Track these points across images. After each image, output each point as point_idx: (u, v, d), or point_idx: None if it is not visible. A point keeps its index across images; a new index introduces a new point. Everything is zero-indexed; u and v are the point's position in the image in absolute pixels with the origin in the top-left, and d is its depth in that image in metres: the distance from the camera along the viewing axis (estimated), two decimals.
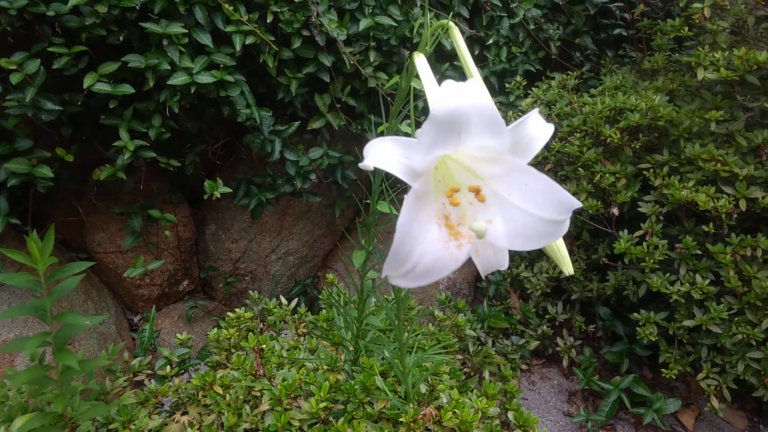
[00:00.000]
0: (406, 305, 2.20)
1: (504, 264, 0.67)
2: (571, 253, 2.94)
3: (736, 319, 2.20)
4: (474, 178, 0.64)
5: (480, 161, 0.63)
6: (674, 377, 2.36)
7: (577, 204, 0.58)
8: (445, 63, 2.86)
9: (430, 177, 0.62)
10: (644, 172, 2.45)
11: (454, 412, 1.38)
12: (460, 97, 0.55)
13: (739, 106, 2.35)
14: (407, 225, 0.58)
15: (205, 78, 2.15)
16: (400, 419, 1.33)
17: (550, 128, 0.63)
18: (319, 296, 2.70)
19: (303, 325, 2.24)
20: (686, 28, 2.54)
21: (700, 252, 2.30)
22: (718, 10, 2.36)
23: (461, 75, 2.93)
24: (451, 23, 0.91)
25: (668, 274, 2.32)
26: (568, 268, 0.77)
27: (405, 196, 0.58)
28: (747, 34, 2.41)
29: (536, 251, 3.28)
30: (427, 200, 0.62)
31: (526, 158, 0.62)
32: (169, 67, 2.10)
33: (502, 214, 0.63)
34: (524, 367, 2.91)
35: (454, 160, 0.65)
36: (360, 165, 0.59)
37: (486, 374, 2.44)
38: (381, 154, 0.57)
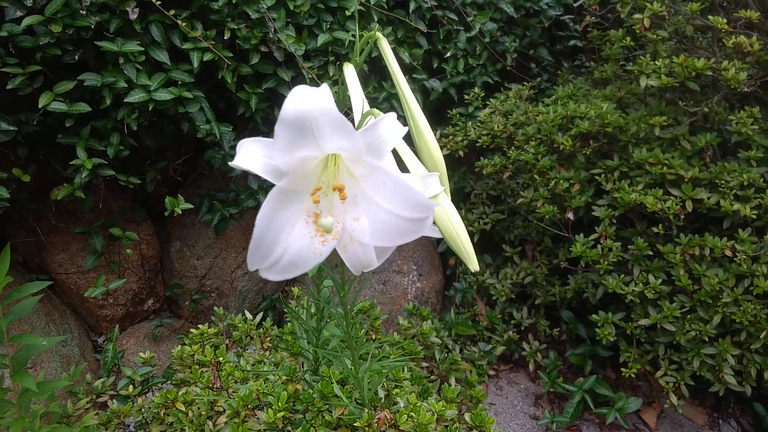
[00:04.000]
0: (371, 315, 2.23)
1: (373, 262, 0.71)
2: (533, 258, 3.01)
3: (689, 316, 2.27)
4: (351, 178, 0.68)
5: (352, 162, 0.67)
6: (634, 376, 2.43)
7: (432, 204, 0.63)
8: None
9: (305, 177, 0.66)
10: (597, 177, 2.53)
11: (410, 415, 1.41)
12: (307, 100, 0.59)
13: (682, 111, 2.45)
14: (267, 219, 0.63)
15: (164, 95, 2.16)
16: (356, 424, 1.35)
17: (401, 130, 0.67)
18: (286, 310, 2.71)
19: (268, 339, 2.24)
20: (628, 39, 2.65)
21: (651, 253, 2.38)
22: (659, 20, 2.47)
23: (420, 88, 2.98)
24: (380, 35, 0.95)
25: (623, 275, 2.40)
26: (473, 264, 0.81)
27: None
28: (686, 42, 2.52)
29: (493, 248, 3.29)
30: (297, 198, 0.66)
31: (379, 158, 0.66)
32: (126, 85, 2.11)
33: (368, 212, 0.67)
34: (492, 372, 2.95)
35: (341, 164, 0.69)
36: (230, 164, 0.63)
37: (452, 381, 2.47)
38: (246, 154, 0.62)
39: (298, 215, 0.66)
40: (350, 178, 0.68)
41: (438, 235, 0.82)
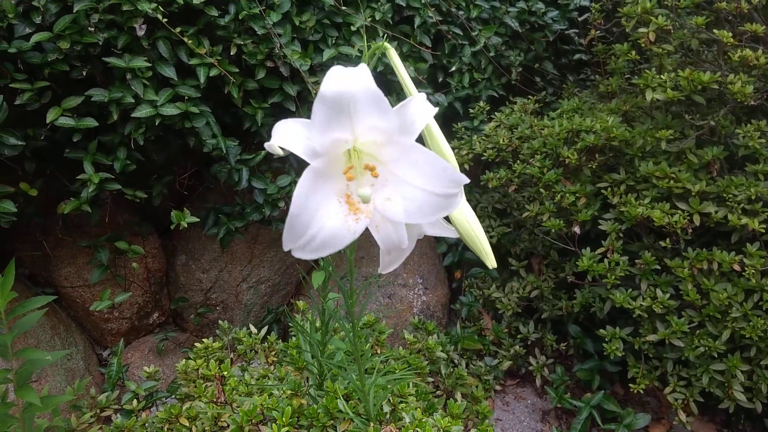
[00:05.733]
0: (377, 329, 2.22)
1: (404, 241, 0.73)
2: (539, 272, 2.99)
3: (698, 332, 2.25)
4: (378, 163, 0.70)
5: (380, 146, 0.69)
6: (642, 392, 2.40)
7: (465, 179, 0.65)
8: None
9: (335, 161, 0.68)
10: (603, 191, 2.52)
11: (416, 431, 1.39)
12: (347, 79, 0.61)
13: (688, 125, 2.44)
14: (303, 198, 0.64)
15: (170, 110, 2.18)
16: None
17: (431, 110, 0.70)
18: (291, 324, 2.70)
19: (273, 353, 2.23)
20: (633, 52, 2.65)
21: (659, 267, 2.36)
22: (664, 34, 2.47)
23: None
24: (387, 45, 0.96)
25: (630, 289, 2.38)
26: (490, 261, 0.82)
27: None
28: (692, 56, 2.52)
29: (499, 262, 3.32)
30: (330, 179, 0.68)
31: (412, 136, 0.68)
32: (133, 100, 2.13)
33: (400, 192, 0.69)
34: (498, 387, 2.92)
35: (364, 152, 0.71)
36: (265, 145, 0.64)
37: (458, 396, 2.44)
38: (285, 133, 0.63)
39: (330, 195, 0.68)
40: (377, 163, 0.70)
41: (455, 235, 0.83)
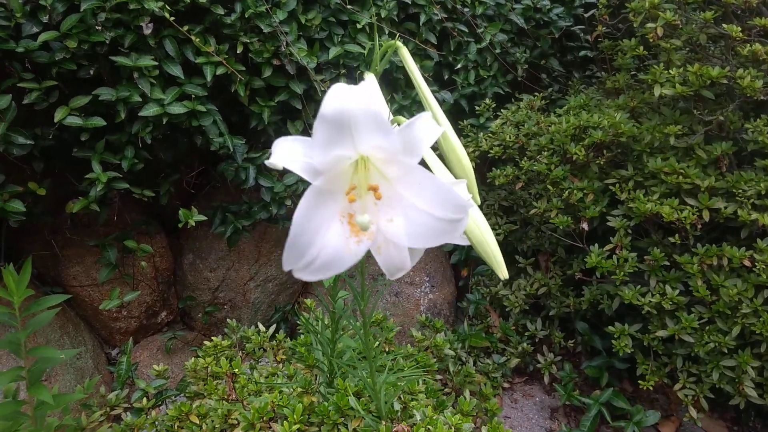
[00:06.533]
0: (384, 327, 2.22)
1: (407, 265, 0.70)
2: (547, 269, 2.98)
3: (708, 327, 2.23)
4: (384, 180, 0.68)
5: (385, 164, 0.67)
6: (652, 389, 2.39)
7: (469, 204, 0.62)
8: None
9: (338, 178, 0.65)
10: (611, 187, 2.51)
11: (428, 428, 1.39)
12: (347, 98, 0.59)
13: (697, 120, 2.43)
14: (304, 218, 0.62)
15: (177, 108, 2.18)
16: None
17: (437, 130, 0.67)
18: (299, 322, 2.70)
19: (281, 351, 2.23)
20: (641, 48, 2.63)
21: (668, 263, 2.35)
22: (672, 30, 2.46)
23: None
24: (399, 43, 0.95)
25: (639, 286, 2.36)
26: (502, 271, 0.80)
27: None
28: (700, 51, 2.50)
29: (505, 259, 3.31)
30: (332, 198, 0.66)
31: (415, 158, 0.66)
32: (140, 99, 2.13)
33: (403, 213, 0.66)
34: (506, 385, 2.91)
35: (371, 166, 0.69)
36: (266, 163, 0.62)
37: (466, 393, 2.44)
38: (284, 152, 0.61)
39: (332, 215, 0.66)
40: (383, 179, 0.68)
41: (466, 243, 0.81)
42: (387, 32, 2.74)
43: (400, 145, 0.63)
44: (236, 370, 1.70)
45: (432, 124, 0.66)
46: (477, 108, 3.22)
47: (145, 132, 2.19)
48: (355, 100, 0.59)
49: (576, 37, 3.64)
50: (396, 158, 0.65)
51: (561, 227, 2.59)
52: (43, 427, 1.62)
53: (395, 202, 0.67)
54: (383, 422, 1.36)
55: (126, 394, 2.18)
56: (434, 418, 1.45)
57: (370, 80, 0.63)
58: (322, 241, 0.64)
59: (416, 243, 0.67)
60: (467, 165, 0.88)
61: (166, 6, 2.12)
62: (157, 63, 2.15)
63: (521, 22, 3.24)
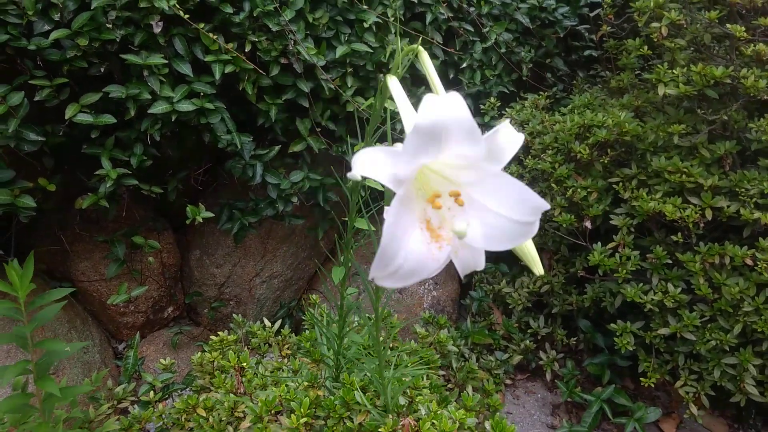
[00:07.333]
0: (388, 323, 2.24)
1: (481, 264, 0.72)
2: (550, 267, 3.00)
3: (709, 325, 2.26)
4: (450, 185, 0.69)
5: (457, 169, 0.68)
6: (653, 386, 2.41)
7: (546, 206, 0.64)
8: (421, 86, 2.94)
9: (411, 184, 0.66)
10: (614, 186, 2.53)
11: (433, 423, 1.41)
12: (443, 109, 0.60)
13: (701, 119, 2.45)
14: (393, 227, 0.62)
15: (186, 106, 2.21)
16: (379, 430, 1.36)
17: (520, 137, 0.68)
18: (303, 318, 2.72)
19: (287, 346, 2.26)
20: (646, 47, 2.65)
21: (670, 261, 2.37)
22: (677, 29, 2.47)
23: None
24: (420, 48, 0.97)
25: (641, 284, 2.39)
26: (538, 268, 0.82)
27: (386, 207, 0.62)
28: (704, 51, 2.52)
29: (509, 257, 3.30)
30: (410, 206, 0.67)
31: (500, 165, 0.67)
32: (150, 97, 2.15)
33: (479, 217, 0.67)
34: (508, 381, 2.93)
35: (432, 170, 0.70)
36: (348, 175, 0.62)
37: (469, 389, 2.46)
38: (369, 163, 0.62)
39: (412, 223, 0.67)
40: (449, 184, 0.69)
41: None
42: (393, 32, 2.75)
43: (485, 152, 0.64)
44: (244, 363, 1.72)
45: (514, 132, 0.67)
46: (482, 107, 3.24)
47: (154, 129, 2.22)
48: (450, 111, 0.60)
49: (581, 36, 3.66)
50: (476, 164, 0.65)
51: (564, 225, 2.61)
52: (51, 420, 1.64)
53: (469, 207, 0.68)
54: (390, 416, 1.39)
55: (133, 388, 2.21)
56: (439, 412, 1.48)
57: (454, 94, 0.64)
58: (406, 249, 0.64)
59: (492, 246, 0.68)
60: None
61: (176, 4, 2.14)
62: (166, 61, 2.18)
63: (526, 21, 3.26)
